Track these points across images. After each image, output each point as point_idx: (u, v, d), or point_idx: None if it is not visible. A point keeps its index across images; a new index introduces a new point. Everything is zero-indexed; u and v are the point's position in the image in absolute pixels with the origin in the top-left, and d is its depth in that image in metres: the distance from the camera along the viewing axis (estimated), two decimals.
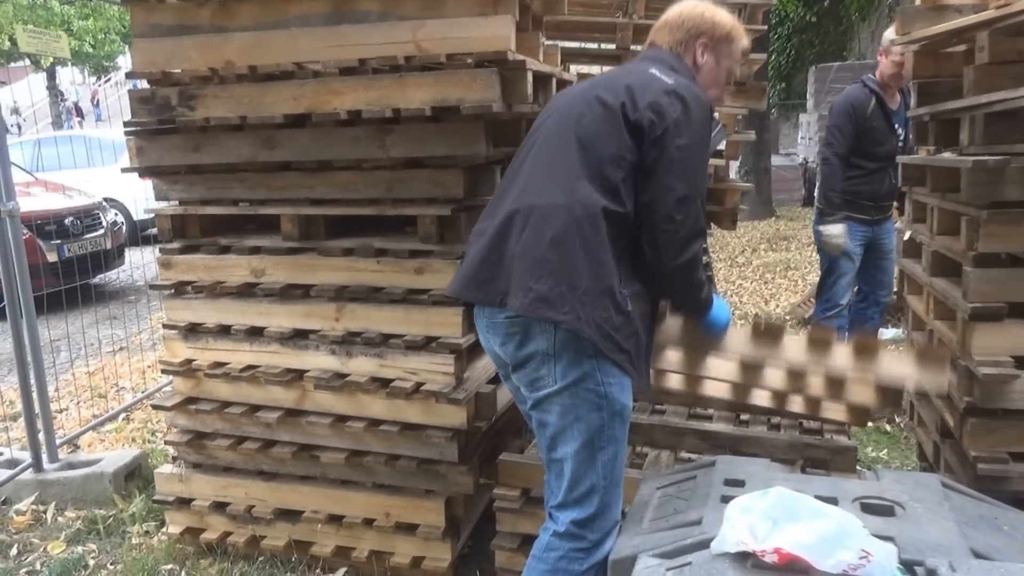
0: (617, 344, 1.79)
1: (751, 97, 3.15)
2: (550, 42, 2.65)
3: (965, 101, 2.33)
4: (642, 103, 1.79)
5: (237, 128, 2.45)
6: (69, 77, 24.54)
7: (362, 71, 2.25)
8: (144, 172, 2.65)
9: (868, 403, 2.34)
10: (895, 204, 4.20)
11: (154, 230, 2.87)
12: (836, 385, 2.38)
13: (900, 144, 3.95)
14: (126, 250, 8.06)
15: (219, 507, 2.77)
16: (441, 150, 2.28)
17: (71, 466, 3.38)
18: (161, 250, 2.71)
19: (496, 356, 1.97)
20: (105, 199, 8.23)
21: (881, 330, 4.74)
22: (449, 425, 2.41)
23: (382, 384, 2.46)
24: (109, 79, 25.43)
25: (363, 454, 2.57)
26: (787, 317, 5.76)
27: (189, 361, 2.69)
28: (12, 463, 3.34)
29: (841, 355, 2.13)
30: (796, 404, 2.67)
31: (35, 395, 3.33)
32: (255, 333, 2.60)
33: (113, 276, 8.11)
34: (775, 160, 12.56)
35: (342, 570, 2.68)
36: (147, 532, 3.01)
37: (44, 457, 3.36)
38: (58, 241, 6.77)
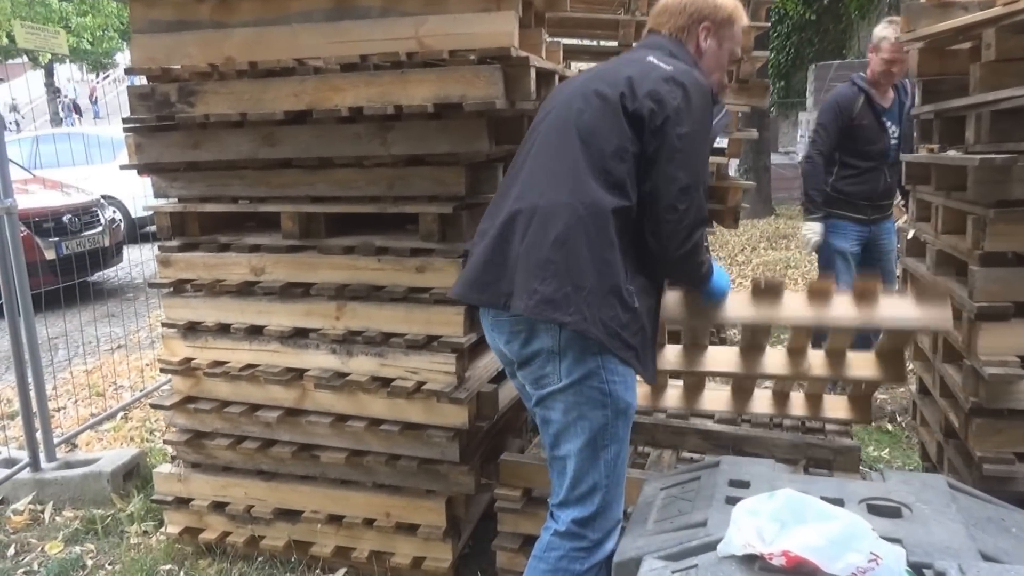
0: (624, 341, 1.78)
1: (754, 95, 3.13)
2: (552, 39, 2.63)
3: (971, 99, 2.31)
4: (641, 92, 1.76)
5: (237, 125, 2.44)
6: (67, 74, 24.45)
7: (364, 67, 2.23)
8: (143, 169, 2.63)
9: (872, 376, 2.34)
10: (901, 202, 4.19)
11: (153, 227, 2.85)
12: (837, 359, 2.38)
13: (895, 141, 3.92)
14: (124, 247, 8.04)
15: (218, 507, 2.75)
16: (443, 147, 2.26)
17: (69, 465, 3.36)
18: (160, 248, 2.69)
19: (502, 354, 1.96)
20: (103, 196, 8.20)
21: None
22: (450, 425, 2.40)
23: (383, 383, 2.44)
24: (108, 76, 25.38)
25: (363, 454, 2.55)
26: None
27: (188, 360, 2.67)
28: (9, 462, 3.32)
29: (843, 304, 2.11)
30: (798, 406, 2.67)
31: (33, 394, 3.31)
32: (255, 332, 2.59)
33: (111, 274, 8.09)
34: (774, 158, 12.55)
35: (342, 570, 2.66)
36: (145, 532, 2.99)
37: (42, 456, 3.34)
38: (56, 239, 6.75)
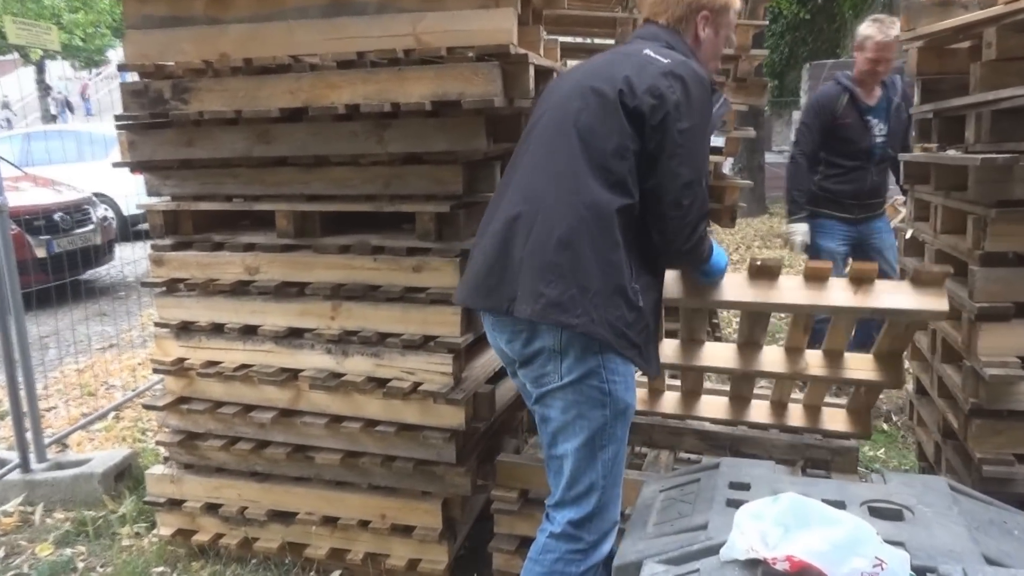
0: (630, 340, 1.77)
1: (752, 93, 3.11)
2: (549, 36, 2.61)
3: (972, 98, 2.30)
4: (640, 89, 1.74)
5: (232, 122, 2.41)
6: (58, 71, 24.32)
7: (360, 64, 2.20)
8: (136, 167, 2.59)
9: (869, 377, 2.34)
10: (894, 200, 4.19)
11: (145, 225, 2.82)
12: (835, 359, 2.37)
13: (881, 140, 3.91)
14: (116, 246, 7.99)
15: (211, 508, 2.72)
16: (440, 145, 2.23)
17: (60, 466, 3.33)
18: (153, 246, 2.67)
19: (503, 353, 1.95)
20: (95, 194, 8.16)
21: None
22: (447, 426, 2.38)
23: (379, 384, 2.42)
24: (100, 73, 25.26)
25: (359, 455, 2.53)
26: (783, 315, 5.74)
27: (181, 360, 2.65)
28: None
29: (838, 289, 2.10)
30: (796, 417, 2.67)
31: (23, 393, 3.28)
32: (249, 332, 2.56)
33: (103, 272, 8.03)
34: (768, 157, 12.56)
35: (336, 572, 2.64)
36: (137, 534, 2.97)
37: (32, 457, 3.31)
38: (47, 237, 6.69)
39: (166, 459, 2.85)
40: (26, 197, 6.96)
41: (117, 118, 2.50)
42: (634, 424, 2.43)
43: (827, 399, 2.71)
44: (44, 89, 22.83)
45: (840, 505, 1.52)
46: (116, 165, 2.61)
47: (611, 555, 1.92)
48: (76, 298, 6.05)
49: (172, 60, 2.34)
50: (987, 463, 2.22)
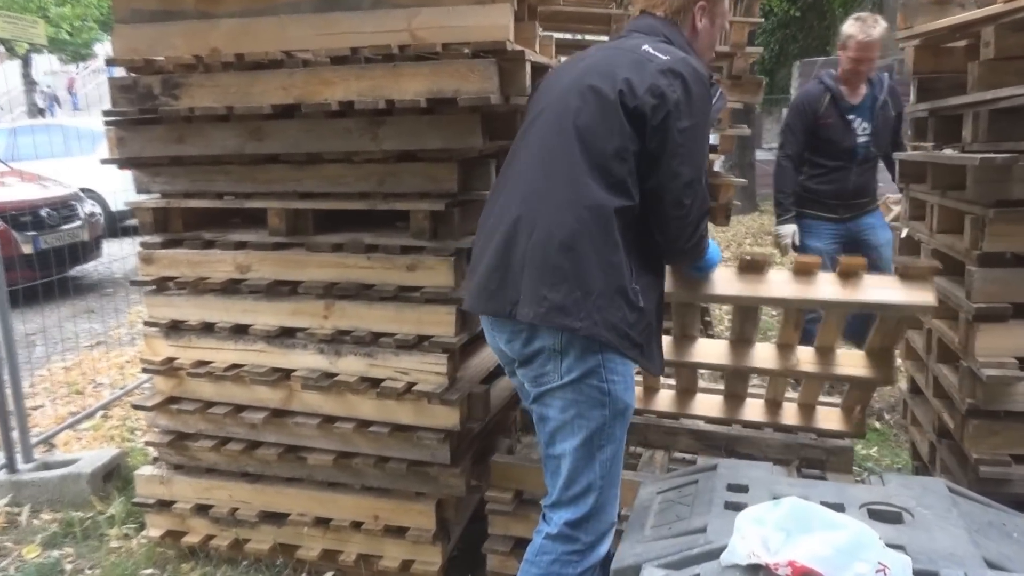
0: (632, 340, 1.77)
1: (747, 91, 3.10)
2: (544, 33, 2.58)
3: (969, 97, 2.29)
4: (641, 89, 1.72)
5: (223, 119, 2.37)
6: (44, 66, 24.08)
7: (354, 60, 2.17)
8: (124, 163, 2.55)
9: (860, 373, 2.35)
10: (887, 197, 4.19)
11: (133, 221, 2.79)
12: (826, 356, 2.39)
13: (865, 139, 3.90)
14: (104, 242, 7.92)
15: (202, 510, 2.69)
16: (436, 143, 2.20)
17: (47, 466, 3.29)
18: (142, 244, 2.63)
19: (501, 352, 1.94)
20: (82, 189, 8.08)
21: None
22: (441, 426, 2.36)
23: (372, 384, 2.40)
24: (88, 67, 25.05)
25: (352, 456, 2.51)
26: (775, 313, 5.74)
27: (171, 360, 2.61)
28: None
29: (827, 283, 2.11)
30: (790, 416, 2.67)
31: (9, 392, 3.23)
32: (240, 331, 2.53)
33: (90, 268, 7.97)
34: (759, 155, 12.57)
35: (329, 574, 2.62)
36: (126, 535, 2.93)
37: (18, 457, 3.27)
38: (34, 233, 6.64)
39: (155, 459, 2.82)
40: (12, 192, 6.91)
41: (105, 114, 2.46)
42: (629, 424, 2.43)
43: (821, 398, 2.72)
44: (30, 83, 22.61)
45: (839, 507, 1.51)
46: (104, 162, 2.57)
47: (608, 556, 1.91)
48: (63, 295, 5.99)
49: (162, 55, 2.30)
50: (984, 464, 2.21)
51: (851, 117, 3.88)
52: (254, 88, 2.22)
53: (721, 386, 2.86)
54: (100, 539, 2.92)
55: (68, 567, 2.76)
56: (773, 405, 2.74)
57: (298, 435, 2.54)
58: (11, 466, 3.23)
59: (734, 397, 2.78)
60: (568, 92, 1.82)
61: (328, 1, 2.12)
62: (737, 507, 1.56)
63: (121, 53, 2.31)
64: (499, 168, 2.17)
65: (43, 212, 6.91)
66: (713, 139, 3.50)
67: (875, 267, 4.12)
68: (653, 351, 1.86)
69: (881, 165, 4.09)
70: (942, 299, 2.53)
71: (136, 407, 2.74)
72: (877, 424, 3.96)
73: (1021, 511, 1.68)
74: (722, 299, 2.20)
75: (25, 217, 6.58)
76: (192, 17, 2.24)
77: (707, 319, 4.43)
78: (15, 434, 3.26)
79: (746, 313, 2.41)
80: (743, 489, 1.66)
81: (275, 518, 2.63)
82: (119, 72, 2.47)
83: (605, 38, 3.31)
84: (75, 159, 9.16)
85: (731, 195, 3.37)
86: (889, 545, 1.32)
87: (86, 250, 7.38)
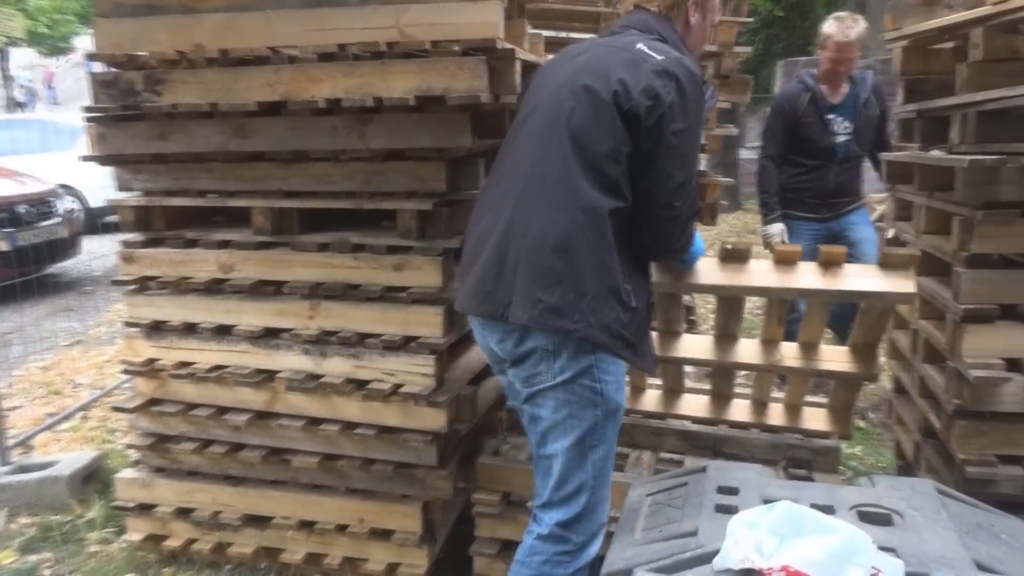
0: (626, 340, 1.76)
1: (735, 90, 3.08)
2: (532, 31, 2.56)
3: (958, 98, 2.29)
4: (635, 90, 1.71)
5: (207, 115, 2.33)
6: (22, 60, 23.74)
7: (342, 57, 2.13)
8: (105, 160, 2.51)
9: (844, 368, 2.37)
10: (871, 196, 4.19)
11: (113, 218, 2.74)
12: (810, 351, 2.41)
13: (845, 138, 3.89)
14: (82, 239, 7.82)
15: (183, 513, 2.66)
16: (424, 142, 2.18)
17: (24, 469, 3.24)
18: (123, 243, 2.58)
19: (492, 352, 1.92)
20: (60, 186, 7.97)
21: None
22: (428, 428, 2.34)
23: (358, 386, 2.37)
24: (68, 60, 24.76)
25: (337, 458, 2.48)
26: (757, 311, 5.76)
27: (152, 361, 2.57)
28: None
29: (808, 273, 2.14)
30: (776, 416, 2.68)
31: None
32: (223, 332, 2.50)
33: (69, 266, 7.86)
34: (742, 153, 12.61)
35: None
36: (106, 539, 2.89)
37: None
38: (11, 229, 6.54)
39: (136, 462, 2.77)
40: None
41: (86, 110, 2.41)
42: None
43: (807, 398, 2.73)
44: (8, 77, 22.33)
45: (829, 510, 1.51)
46: (85, 159, 2.52)
47: (599, 558, 1.91)
48: (41, 293, 5.92)
49: (144, 50, 2.25)
50: (970, 464, 2.22)
51: (831, 116, 3.88)
52: (239, 84, 2.18)
53: (707, 386, 2.87)
54: (79, 543, 2.88)
55: (47, 572, 2.72)
56: (759, 405, 2.75)
57: (282, 437, 2.50)
58: None
59: (720, 397, 2.79)
60: (561, 91, 1.80)
61: None
62: (728, 510, 1.55)
63: (102, 48, 2.26)
64: (488, 167, 2.16)
65: (20, 209, 6.81)
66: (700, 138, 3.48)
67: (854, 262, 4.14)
68: (645, 349, 1.87)
69: (867, 164, 4.10)
70: (928, 300, 2.55)
71: (116, 409, 2.70)
72: (861, 423, 3.97)
73: (1007, 511, 1.69)
74: (704, 288, 2.22)
75: (2, 214, 6.49)
76: (175, 12, 2.19)
77: (692, 318, 4.43)
78: None
79: (730, 307, 2.43)
80: (733, 491, 1.66)
81: (259, 521, 2.60)
82: (99, 67, 2.42)
83: (594, 36, 3.28)
84: (53, 155, 9.04)
85: (717, 194, 3.34)
86: (880, 548, 1.33)
87: (64, 247, 7.30)
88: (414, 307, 2.30)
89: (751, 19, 3.63)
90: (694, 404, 2.81)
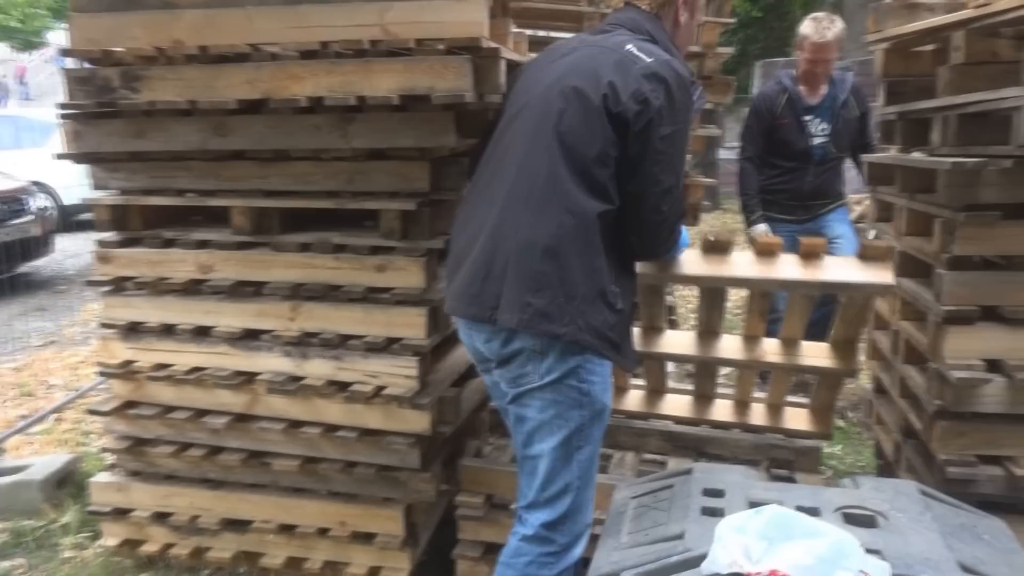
0: (611, 342, 1.77)
1: (717, 91, 3.09)
2: (516, 30, 2.54)
3: (940, 101, 2.31)
4: (625, 94, 1.70)
5: (185, 113, 2.29)
6: None
7: (324, 55, 2.10)
8: (81, 159, 2.46)
9: (824, 364, 2.40)
10: (852, 197, 4.21)
11: (87, 216, 2.69)
12: (791, 347, 2.45)
13: (823, 140, 3.90)
14: (55, 237, 7.70)
15: (160, 517, 2.62)
16: (407, 141, 2.15)
17: None
18: (99, 242, 2.53)
19: (478, 352, 1.91)
20: (33, 183, 7.84)
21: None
22: (411, 431, 2.32)
23: (340, 388, 2.35)
24: (42, 54, 24.39)
25: (318, 461, 2.46)
26: (736, 312, 5.80)
27: (129, 363, 2.53)
28: None
29: (789, 264, 2.16)
30: (758, 416, 2.69)
31: None
32: (202, 333, 2.46)
33: (42, 265, 7.74)
34: (721, 154, 12.69)
35: None
36: (81, 544, 2.83)
37: None
38: None
39: (112, 466, 2.73)
40: None
41: (61, 107, 2.35)
42: None
43: (788, 398, 2.75)
44: None
45: (815, 512, 1.52)
46: (60, 156, 2.47)
47: (582, 559, 1.91)
48: (13, 292, 5.82)
49: (121, 46, 2.20)
50: (951, 464, 2.23)
51: (808, 118, 3.89)
52: (218, 82, 2.14)
53: (689, 386, 2.88)
54: (53, 549, 2.82)
55: None
56: (741, 405, 2.76)
57: (262, 440, 2.47)
58: None
59: (703, 397, 2.80)
60: (550, 92, 1.79)
61: None
62: (713, 512, 1.55)
63: (78, 43, 2.21)
64: (472, 166, 2.15)
65: None
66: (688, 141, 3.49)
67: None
68: (628, 348, 1.87)
69: (849, 164, 4.11)
70: (909, 301, 2.56)
71: (92, 412, 2.65)
72: (840, 422, 4.00)
73: (986, 511, 1.70)
74: (688, 279, 2.23)
75: None
76: (153, 7, 2.15)
77: (672, 318, 4.44)
78: None
79: (712, 300, 2.44)
80: (719, 494, 1.65)
81: (237, 525, 2.56)
82: (71, 63, 2.37)
83: (582, 34, 3.27)
84: (26, 151, 8.90)
85: (700, 195, 3.37)
86: (866, 550, 1.32)
87: (37, 246, 7.20)
88: (397, 308, 2.28)
89: (733, 20, 3.63)
90: (677, 404, 2.82)
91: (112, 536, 2.68)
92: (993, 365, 2.20)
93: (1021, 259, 2.19)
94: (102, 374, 2.58)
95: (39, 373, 4.69)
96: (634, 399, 2.84)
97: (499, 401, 2.00)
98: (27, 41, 22.67)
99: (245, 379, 2.43)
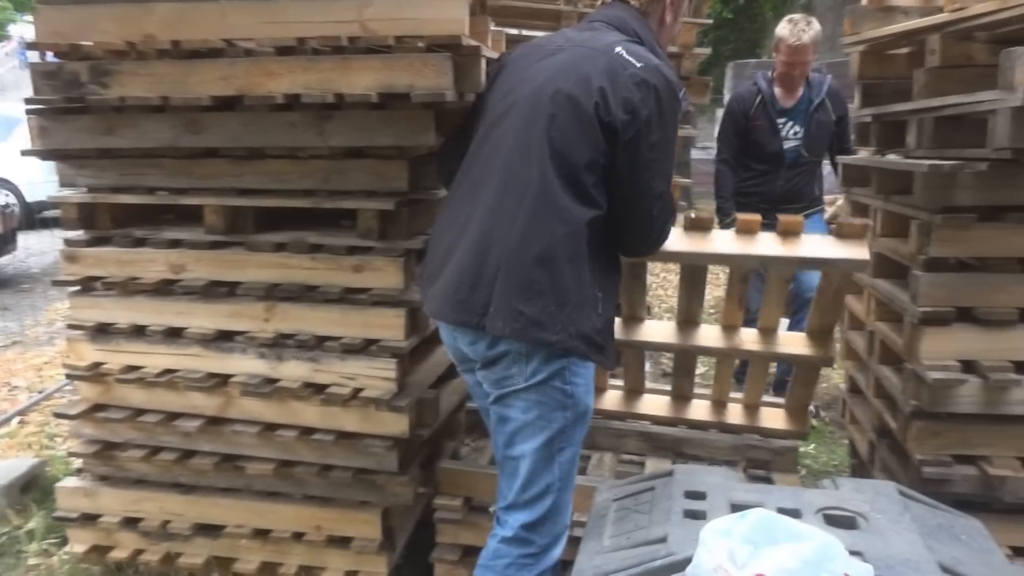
0: (597, 344, 1.77)
1: (694, 92, 3.11)
2: (495, 28, 2.52)
3: (915, 104, 2.33)
4: (614, 103, 1.70)
5: (157, 109, 2.23)
6: None
7: (301, 51, 2.06)
8: (47, 155, 2.39)
9: (801, 352, 2.45)
10: (831, 199, 4.23)
11: (52, 212, 2.62)
12: (768, 336, 2.49)
13: (796, 143, 3.91)
14: (19, 235, 7.52)
15: (130, 523, 2.56)
16: (386, 140, 2.12)
17: None
18: (66, 241, 2.47)
19: (461, 353, 1.90)
20: None
21: None
22: (389, 433, 2.29)
23: (316, 390, 2.31)
24: (3, 48, 23.81)
25: (293, 464, 2.42)
26: (711, 311, 5.83)
27: (97, 365, 2.46)
28: None
29: (767, 240, 2.20)
30: (735, 415, 2.71)
31: None
32: (173, 334, 2.40)
33: (4, 263, 7.55)
34: (693, 154, 12.77)
35: None
36: (47, 551, 2.77)
37: None
38: None
39: (79, 470, 2.66)
40: None
41: (27, 102, 2.28)
42: None
43: (765, 398, 2.77)
44: None
45: (795, 513, 1.52)
46: (25, 153, 2.40)
47: (561, 562, 1.92)
48: None
49: (90, 40, 2.14)
50: (927, 464, 2.25)
51: (781, 121, 3.89)
52: (191, 78, 2.09)
53: (667, 386, 2.88)
54: (17, 556, 2.75)
55: None
56: (718, 405, 2.78)
57: (236, 444, 2.42)
58: None
59: (680, 397, 2.80)
60: (540, 95, 1.77)
61: None
62: (696, 515, 1.55)
63: (44, 37, 2.14)
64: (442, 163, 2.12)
65: None
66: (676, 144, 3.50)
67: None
68: (609, 348, 1.88)
69: (828, 165, 4.12)
70: (885, 302, 2.58)
71: (58, 415, 2.58)
72: (814, 422, 4.04)
73: (961, 510, 1.72)
74: (669, 256, 2.22)
75: None
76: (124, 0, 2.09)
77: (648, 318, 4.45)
78: None
79: (692, 284, 2.45)
80: (700, 496, 1.65)
81: (210, 530, 2.52)
82: (34, 56, 2.30)
83: (567, 30, 3.26)
84: None
85: (677, 196, 3.38)
86: (848, 552, 1.33)
87: (0, 244, 7.00)
88: (375, 309, 2.25)
89: (711, 21, 3.65)
90: (655, 404, 2.83)
91: (79, 542, 2.61)
92: (968, 366, 2.22)
93: (996, 261, 2.22)
94: (69, 376, 2.51)
95: (2, 374, 4.58)
96: (612, 399, 2.85)
97: (480, 401, 2.00)
98: None
99: (218, 381, 2.38)
